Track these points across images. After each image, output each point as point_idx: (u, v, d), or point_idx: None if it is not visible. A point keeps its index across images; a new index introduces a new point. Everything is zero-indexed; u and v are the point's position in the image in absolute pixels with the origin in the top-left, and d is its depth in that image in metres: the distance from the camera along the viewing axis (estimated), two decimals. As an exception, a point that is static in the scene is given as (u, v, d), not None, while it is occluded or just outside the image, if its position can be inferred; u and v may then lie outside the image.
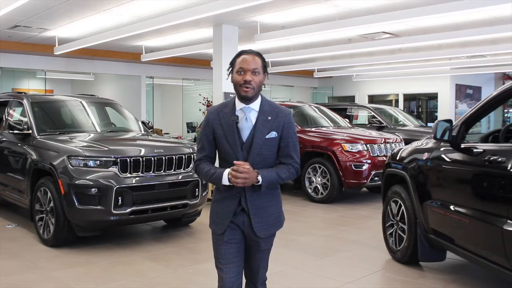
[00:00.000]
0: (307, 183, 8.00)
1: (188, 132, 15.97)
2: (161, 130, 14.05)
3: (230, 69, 2.49)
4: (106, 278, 4.25)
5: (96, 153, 5.05)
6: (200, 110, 14.29)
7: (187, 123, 16.28)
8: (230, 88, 9.36)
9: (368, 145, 7.75)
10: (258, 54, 2.45)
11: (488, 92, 13.79)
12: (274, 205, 2.54)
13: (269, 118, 2.45)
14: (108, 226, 5.36)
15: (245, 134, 2.43)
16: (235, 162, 2.35)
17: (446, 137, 3.83)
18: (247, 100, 2.43)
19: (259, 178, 2.39)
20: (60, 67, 13.61)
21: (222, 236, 2.50)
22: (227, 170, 2.38)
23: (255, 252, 2.57)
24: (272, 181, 2.44)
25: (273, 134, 2.44)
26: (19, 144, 5.84)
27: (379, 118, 11.21)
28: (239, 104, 2.46)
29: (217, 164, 2.58)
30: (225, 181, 2.40)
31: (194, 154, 4.56)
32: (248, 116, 2.45)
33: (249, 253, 2.58)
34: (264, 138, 2.42)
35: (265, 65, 2.47)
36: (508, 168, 3.16)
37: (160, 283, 4.16)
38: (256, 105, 2.47)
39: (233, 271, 2.51)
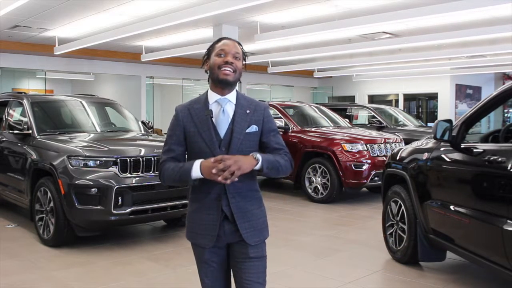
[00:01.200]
0: (307, 183, 8.00)
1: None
2: (161, 130, 14.06)
3: (206, 56, 2.24)
4: (106, 278, 4.25)
5: (96, 153, 5.05)
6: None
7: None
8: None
9: (368, 145, 7.75)
10: (239, 43, 2.26)
11: (488, 92, 13.79)
12: (258, 208, 2.26)
13: (248, 111, 2.21)
14: (108, 226, 5.36)
15: (223, 129, 2.17)
16: (214, 159, 2.05)
17: (446, 137, 3.83)
18: (225, 85, 2.16)
19: (257, 156, 2.10)
20: (60, 67, 13.63)
21: (203, 252, 2.24)
22: (198, 161, 2.09)
23: (242, 262, 2.22)
24: (273, 164, 2.16)
25: (253, 128, 2.20)
26: (19, 144, 5.84)
27: (379, 118, 11.21)
28: (213, 96, 2.21)
29: None
30: (195, 173, 2.08)
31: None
32: (224, 108, 2.19)
33: (237, 268, 2.24)
34: (244, 133, 2.17)
35: (244, 57, 2.25)
36: (508, 168, 3.16)
37: (160, 283, 4.16)
38: (232, 96, 2.22)
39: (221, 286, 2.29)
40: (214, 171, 2.02)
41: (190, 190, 2.28)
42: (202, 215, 2.20)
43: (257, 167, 2.11)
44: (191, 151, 2.22)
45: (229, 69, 2.14)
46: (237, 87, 2.29)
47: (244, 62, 2.25)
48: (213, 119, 2.17)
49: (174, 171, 2.16)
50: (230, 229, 2.19)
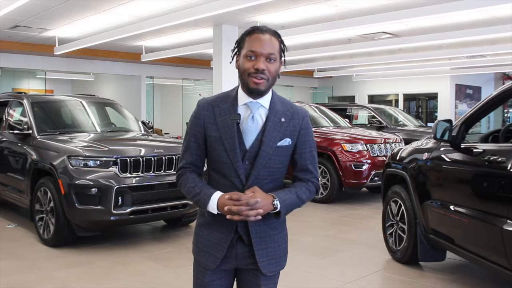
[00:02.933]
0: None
1: (188, 132, 15.97)
2: (161, 130, 14.07)
3: (236, 50, 1.87)
4: (106, 278, 4.25)
5: (96, 153, 5.05)
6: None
7: (187, 123, 16.20)
8: (231, 88, 9.39)
9: (368, 145, 7.75)
10: (276, 33, 1.83)
11: (488, 92, 13.80)
12: (280, 232, 1.94)
13: (283, 120, 1.85)
14: (108, 226, 5.36)
15: (250, 139, 1.82)
16: (238, 196, 1.74)
17: (446, 137, 3.83)
18: (256, 94, 1.82)
19: (276, 202, 1.79)
20: (60, 67, 13.63)
21: (205, 273, 1.93)
22: (217, 194, 1.80)
23: None
24: (292, 206, 1.88)
25: (286, 141, 1.85)
26: (19, 144, 5.84)
27: (379, 118, 11.21)
28: (243, 98, 1.84)
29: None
30: (212, 208, 1.80)
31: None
32: (255, 114, 1.84)
33: None
34: (275, 146, 1.83)
35: (283, 49, 1.86)
36: (508, 168, 3.16)
37: (160, 283, 4.16)
38: (265, 100, 1.85)
39: None
40: (226, 209, 1.75)
41: None
42: (211, 231, 1.89)
43: (272, 212, 1.82)
44: (210, 158, 1.90)
45: (260, 77, 1.78)
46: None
47: (282, 57, 1.87)
48: (240, 125, 1.83)
49: (190, 193, 1.88)
50: (244, 253, 1.88)
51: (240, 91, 1.86)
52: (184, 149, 1.94)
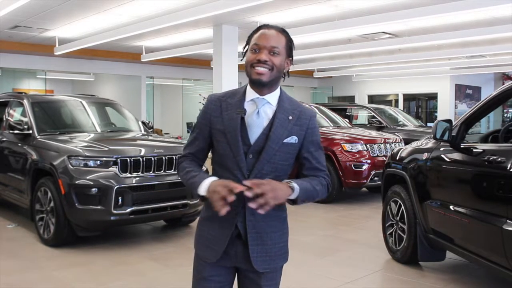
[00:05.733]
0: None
1: (188, 132, 15.98)
2: (161, 130, 14.07)
3: (246, 48, 1.90)
4: (106, 278, 4.26)
5: (96, 153, 5.06)
6: (200, 110, 14.33)
7: (187, 123, 16.30)
8: (231, 88, 9.38)
9: (368, 145, 7.76)
10: (283, 31, 1.89)
11: (488, 92, 13.80)
12: (279, 231, 1.94)
13: (290, 118, 1.88)
14: (108, 226, 5.36)
15: (255, 133, 1.85)
16: (242, 184, 1.74)
17: (445, 137, 3.84)
18: (260, 86, 1.84)
19: (293, 185, 1.80)
20: (61, 67, 13.63)
21: (205, 267, 1.94)
22: (210, 179, 1.82)
23: None
24: (308, 193, 1.88)
25: (293, 139, 1.87)
26: (19, 144, 5.84)
27: (379, 118, 11.21)
28: (250, 94, 1.88)
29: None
30: (203, 189, 1.81)
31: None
32: (261, 110, 1.86)
33: None
34: (281, 143, 1.84)
35: (290, 46, 1.89)
36: (508, 168, 3.16)
37: (160, 283, 4.16)
38: (273, 98, 1.89)
39: None
40: (215, 197, 1.73)
41: None
42: (213, 224, 1.90)
43: (292, 196, 1.81)
44: (215, 151, 1.93)
45: (262, 68, 1.81)
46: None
47: (290, 55, 1.91)
48: (245, 119, 1.85)
49: (185, 178, 1.92)
50: (245, 253, 1.88)
51: (248, 87, 1.90)
52: (188, 140, 2.00)
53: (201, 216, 2.01)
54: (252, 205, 1.71)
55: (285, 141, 1.85)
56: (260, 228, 1.87)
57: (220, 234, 1.88)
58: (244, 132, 1.84)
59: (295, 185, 1.80)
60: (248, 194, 1.71)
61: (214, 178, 1.83)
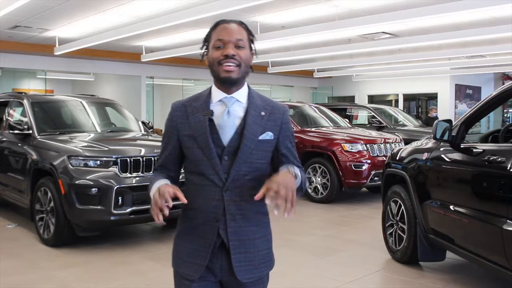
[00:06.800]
0: (307, 183, 8.00)
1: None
2: (161, 130, 14.01)
3: (205, 47, 1.80)
4: (106, 278, 4.26)
5: (96, 153, 5.06)
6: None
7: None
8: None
9: (368, 145, 7.76)
10: (242, 23, 1.80)
11: (488, 92, 13.80)
12: (262, 237, 1.81)
13: (263, 113, 1.78)
14: (108, 226, 5.36)
15: (227, 134, 1.74)
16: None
17: (445, 137, 3.84)
18: (230, 84, 1.74)
19: (296, 171, 1.72)
20: (61, 67, 13.63)
21: (189, 286, 1.78)
22: (161, 182, 1.74)
23: None
24: (303, 180, 1.79)
25: (268, 135, 1.77)
26: (19, 144, 5.84)
27: (379, 118, 11.21)
28: (217, 94, 1.78)
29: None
30: (153, 190, 1.73)
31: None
32: (231, 109, 1.76)
33: None
34: (256, 140, 1.74)
35: (251, 39, 1.82)
36: (508, 168, 3.16)
37: (160, 283, 4.16)
38: (242, 95, 1.79)
39: None
40: (152, 203, 1.64)
41: (183, 204, 1.79)
42: (192, 236, 1.78)
43: (297, 182, 1.70)
44: (187, 159, 1.82)
45: (231, 64, 1.71)
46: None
47: (252, 48, 1.82)
48: (215, 121, 1.75)
49: (149, 184, 1.81)
50: (225, 263, 1.76)
51: (213, 88, 1.80)
52: (159, 153, 1.93)
53: (177, 229, 1.87)
54: (276, 212, 1.58)
55: (260, 138, 1.76)
56: (242, 235, 1.75)
57: (201, 245, 1.75)
58: (216, 134, 1.74)
59: (296, 170, 1.73)
60: (268, 202, 1.60)
61: (162, 182, 1.74)
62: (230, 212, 1.72)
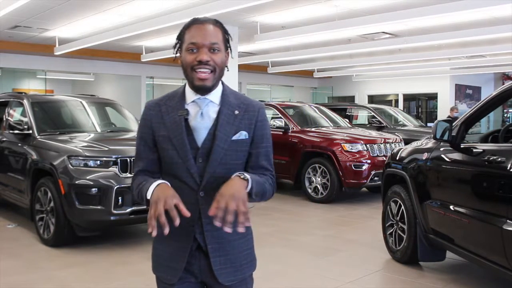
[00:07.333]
0: (307, 183, 8.01)
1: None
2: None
3: (177, 47, 1.74)
4: (106, 278, 4.26)
5: (96, 153, 5.06)
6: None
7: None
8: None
9: (368, 145, 7.76)
10: (217, 22, 1.72)
11: (488, 92, 13.80)
12: (242, 237, 1.75)
13: (236, 112, 1.72)
14: (108, 226, 5.36)
15: (201, 135, 1.69)
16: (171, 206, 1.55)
17: (445, 137, 3.83)
18: (204, 91, 1.70)
19: (246, 176, 1.62)
20: (61, 67, 13.64)
21: None
22: (157, 182, 1.64)
23: None
24: (261, 185, 1.68)
25: (242, 134, 1.71)
26: (19, 144, 5.84)
27: (379, 118, 11.22)
28: (191, 95, 1.72)
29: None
30: (149, 194, 1.62)
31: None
32: (204, 110, 1.71)
33: None
34: (230, 140, 1.69)
35: (227, 38, 1.74)
36: (508, 168, 3.16)
37: (160, 283, 4.15)
38: (215, 96, 1.73)
39: None
40: (152, 212, 1.54)
41: None
42: (168, 242, 1.72)
43: (248, 188, 1.61)
44: (163, 161, 1.75)
45: (205, 70, 1.65)
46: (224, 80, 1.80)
47: (228, 48, 1.74)
48: (190, 122, 1.70)
49: (137, 189, 1.72)
50: (204, 264, 1.72)
51: (187, 88, 1.75)
52: (135, 157, 1.83)
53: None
54: (226, 229, 1.54)
55: (233, 138, 1.69)
56: (221, 237, 1.69)
57: (178, 249, 1.71)
58: (191, 135, 1.68)
59: (246, 175, 1.62)
60: (212, 213, 1.55)
61: (159, 182, 1.64)
62: (205, 215, 1.65)
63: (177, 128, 1.68)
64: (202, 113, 1.70)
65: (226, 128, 1.69)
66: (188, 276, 1.73)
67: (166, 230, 1.55)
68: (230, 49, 1.76)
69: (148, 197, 1.61)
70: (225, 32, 1.73)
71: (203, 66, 1.64)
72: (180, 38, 1.72)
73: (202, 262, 1.71)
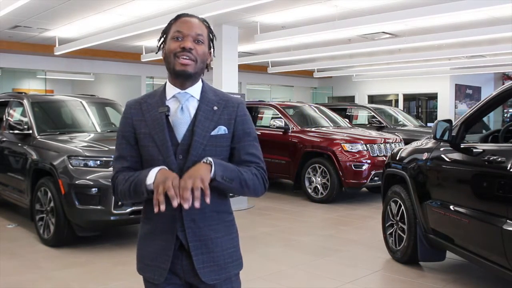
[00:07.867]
0: (307, 183, 8.01)
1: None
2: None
3: (162, 39, 1.78)
4: (106, 278, 4.26)
5: (96, 153, 5.06)
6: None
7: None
8: (231, 88, 9.44)
9: (368, 145, 7.76)
10: (204, 20, 1.78)
11: (488, 92, 13.81)
12: (226, 235, 1.74)
13: (215, 108, 1.73)
14: (108, 226, 5.36)
15: (181, 131, 1.69)
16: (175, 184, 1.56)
17: (445, 137, 3.84)
18: (185, 78, 1.69)
19: (209, 159, 1.60)
20: (60, 67, 13.63)
21: None
22: (158, 168, 1.63)
23: None
24: (230, 171, 1.64)
25: (221, 129, 1.71)
26: (19, 144, 5.84)
27: (379, 118, 11.22)
28: (171, 90, 1.73)
29: None
30: (150, 179, 1.61)
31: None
32: (184, 105, 1.72)
33: None
34: (208, 136, 1.69)
35: (212, 38, 1.78)
36: (508, 168, 3.16)
37: (160, 283, 4.16)
38: (196, 90, 1.74)
39: None
40: (161, 189, 1.54)
41: (143, 206, 1.82)
42: (154, 240, 1.73)
43: (211, 171, 1.59)
44: (143, 158, 1.74)
45: (187, 57, 1.67)
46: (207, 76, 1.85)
47: (211, 47, 1.77)
48: (170, 118, 1.70)
49: (127, 182, 1.69)
50: (186, 264, 1.70)
51: (168, 84, 1.76)
52: (115, 156, 1.81)
53: (139, 233, 1.83)
54: (185, 205, 1.54)
55: (212, 133, 1.69)
56: (203, 235, 1.68)
57: (162, 248, 1.70)
58: (171, 132, 1.69)
59: (210, 159, 1.60)
60: (180, 202, 1.55)
61: (160, 167, 1.63)
62: (186, 212, 1.64)
63: (158, 125, 1.69)
64: (182, 108, 1.71)
65: (204, 124, 1.69)
66: (173, 277, 1.72)
67: (163, 207, 1.54)
68: (213, 49, 1.79)
69: (148, 182, 1.60)
70: (210, 31, 1.76)
71: (186, 54, 1.67)
72: (166, 31, 1.76)
73: (184, 262, 1.70)
